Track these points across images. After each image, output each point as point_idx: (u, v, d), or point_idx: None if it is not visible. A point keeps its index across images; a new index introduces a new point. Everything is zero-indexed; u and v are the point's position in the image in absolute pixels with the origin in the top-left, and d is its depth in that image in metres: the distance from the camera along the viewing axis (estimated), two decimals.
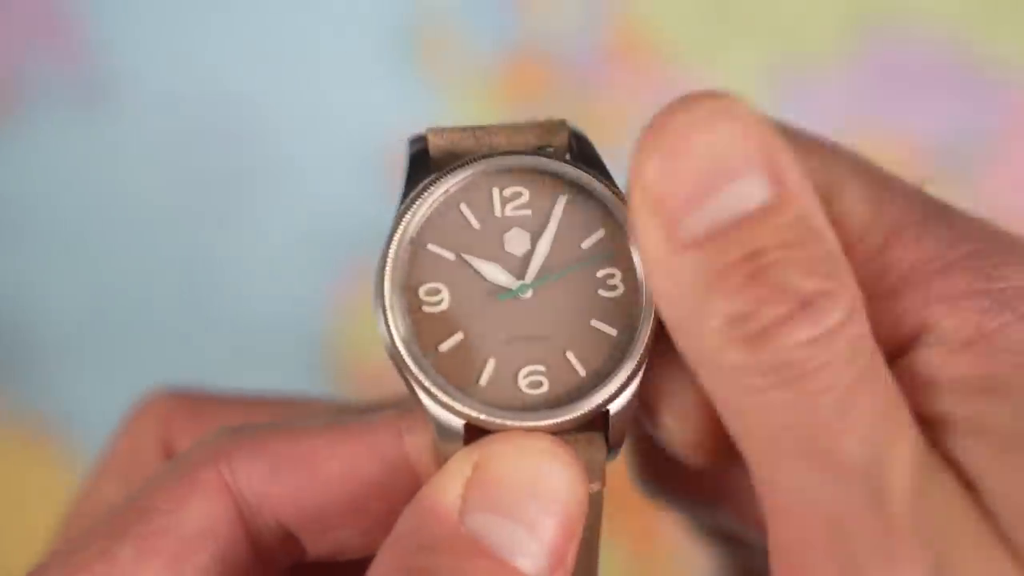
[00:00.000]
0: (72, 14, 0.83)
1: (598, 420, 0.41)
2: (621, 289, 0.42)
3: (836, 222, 0.40)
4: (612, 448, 0.42)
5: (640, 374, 0.41)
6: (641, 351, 0.41)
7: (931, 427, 0.38)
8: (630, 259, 0.42)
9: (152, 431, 0.49)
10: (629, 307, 0.42)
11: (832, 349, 0.36)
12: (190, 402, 0.50)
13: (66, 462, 0.81)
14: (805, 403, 0.36)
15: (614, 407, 0.41)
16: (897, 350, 0.40)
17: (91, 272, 0.82)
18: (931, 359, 0.39)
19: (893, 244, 0.41)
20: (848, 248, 0.40)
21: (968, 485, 0.37)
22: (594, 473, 0.41)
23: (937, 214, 0.42)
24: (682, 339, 0.38)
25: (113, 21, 0.83)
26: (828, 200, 0.41)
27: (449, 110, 0.84)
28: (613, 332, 0.42)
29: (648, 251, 0.37)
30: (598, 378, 0.41)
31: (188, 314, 0.82)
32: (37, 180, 0.82)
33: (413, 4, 0.84)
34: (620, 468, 0.71)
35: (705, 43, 0.84)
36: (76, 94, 0.83)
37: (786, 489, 0.37)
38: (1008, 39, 0.84)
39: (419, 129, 0.44)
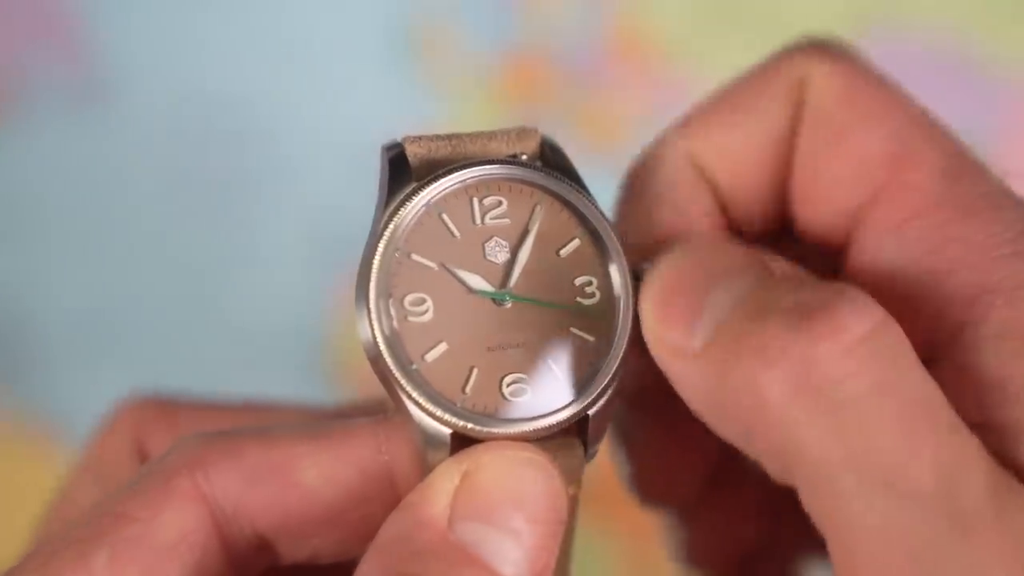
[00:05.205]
0: (72, 14, 0.84)
1: (576, 424, 0.42)
2: (597, 296, 0.42)
3: (906, 190, 0.41)
4: (589, 450, 0.42)
5: (618, 379, 0.42)
6: (619, 357, 0.42)
7: (991, 432, 0.38)
8: (605, 267, 0.43)
9: (127, 436, 0.49)
10: (606, 314, 0.42)
11: (859, 359, 0.36)
12: (165, 407, 0.50)
13: (66, 461, 0.81)
14: (858, 430, 0.36)
15: (593, 411, 0.42)
16: (946, 336, 0.39)
17: (91, 272, 0.82)
18: (987, 358, 0.38)
19: (958, 221, 0.40)
20: (913, 217, 0.40)
21: None
22: (571, 477, 0.41)
23: (1012, 202, 0.41)
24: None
25: (113, 22, 0.83)
26: (900, 167, 0.41)
27: (449, 110, 0.84)
28: (591, 339, 0.42)
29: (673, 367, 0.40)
30: (578, 384, 0.42)
31: (188, 314, 0.83)
32: (37, 179, 0.83)
33: (413, 4, 0.84)
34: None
35: (705, 43, 0.84)
36: (76, 94, 0.83)
37: (858, 527, 0.36)
38: (1008, 39, 0.83)
39: (410, 131, 0.44)
